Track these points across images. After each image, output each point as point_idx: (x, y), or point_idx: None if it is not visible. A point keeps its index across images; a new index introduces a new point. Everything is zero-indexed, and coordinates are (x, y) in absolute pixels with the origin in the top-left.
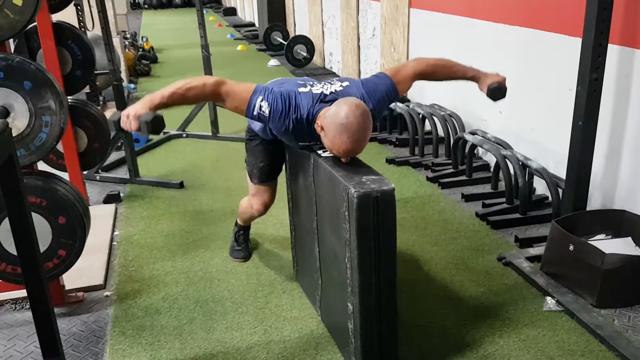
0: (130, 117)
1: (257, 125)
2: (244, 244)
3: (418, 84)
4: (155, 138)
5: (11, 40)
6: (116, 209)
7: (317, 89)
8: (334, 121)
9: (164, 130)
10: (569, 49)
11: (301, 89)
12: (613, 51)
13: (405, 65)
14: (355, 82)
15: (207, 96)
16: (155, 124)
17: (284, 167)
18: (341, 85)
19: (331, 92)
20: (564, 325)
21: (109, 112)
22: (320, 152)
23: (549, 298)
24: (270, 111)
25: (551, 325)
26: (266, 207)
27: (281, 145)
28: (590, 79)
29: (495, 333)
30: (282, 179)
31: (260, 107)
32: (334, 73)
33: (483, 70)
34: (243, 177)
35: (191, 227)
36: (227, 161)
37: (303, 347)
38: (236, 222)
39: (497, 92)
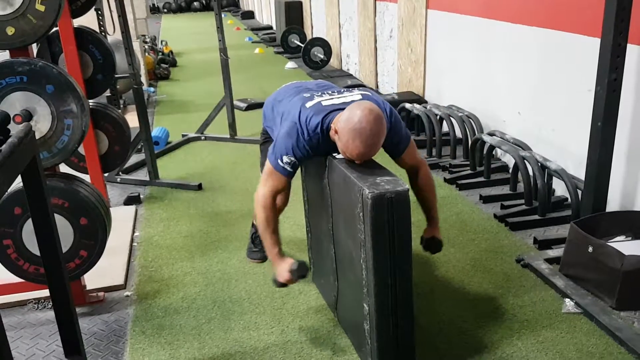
0: (285, 279)
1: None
2: (260, 245)
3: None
4: (174, 141)
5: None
6: (136, 211)
7: (327, 99)
8: (347, 126)
9: (184, 134)
10: (588, 50)
11: (308, 103)
12: (633, 51)
13: (419, 158)
14: (377, 96)
15: (276, 200)
16: (301, 270)
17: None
18: (359, 95)
19: (344, 102)
20: (582, 327)
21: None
22: (334, 154)
23: (567, 300)
24: (295, 154)
25: (570, 328)
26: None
27: None
28: (609, 80)
29: (513, 335)
30: (297, 180)
31: (288, 163)
32: (351, 75)
33: (437, 223)
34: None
35: (209, 228)
36: (245, 163)
37: (320, 348)
38: (253, 224)
39: (431, 246)
